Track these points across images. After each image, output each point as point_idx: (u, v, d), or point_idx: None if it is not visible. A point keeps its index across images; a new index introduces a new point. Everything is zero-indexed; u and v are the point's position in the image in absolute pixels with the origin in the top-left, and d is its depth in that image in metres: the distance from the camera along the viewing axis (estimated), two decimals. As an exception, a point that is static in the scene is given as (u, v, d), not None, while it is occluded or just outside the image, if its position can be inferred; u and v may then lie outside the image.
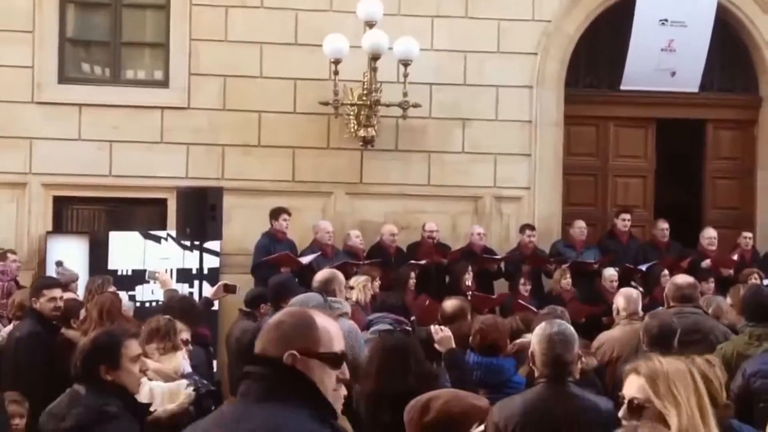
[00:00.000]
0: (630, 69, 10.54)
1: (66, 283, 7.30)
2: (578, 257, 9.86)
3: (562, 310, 6.02)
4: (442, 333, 4.72)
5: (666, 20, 10.30)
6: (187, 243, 8.99)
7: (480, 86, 10.43)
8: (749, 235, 10.28)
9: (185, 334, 5.24)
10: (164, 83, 10.25)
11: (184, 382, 4.66)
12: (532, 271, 9.70)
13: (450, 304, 5.39)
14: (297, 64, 10.09)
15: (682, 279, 5.55)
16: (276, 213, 9.30)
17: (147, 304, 9.15)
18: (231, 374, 6.22)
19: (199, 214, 8.24)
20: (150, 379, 4.37)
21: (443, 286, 9.29)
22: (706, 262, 9.66)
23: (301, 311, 2.52)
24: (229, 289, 6.56)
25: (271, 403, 2.27)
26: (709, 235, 10.09)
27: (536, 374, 3.83)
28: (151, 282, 8.07)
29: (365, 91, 9.68)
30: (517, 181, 10.51)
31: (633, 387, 2.58)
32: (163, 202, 9.96)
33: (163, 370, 4.77)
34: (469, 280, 9.04)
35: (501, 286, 9.90)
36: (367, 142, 9.93)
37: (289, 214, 9.33)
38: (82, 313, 5.97)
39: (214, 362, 7.40)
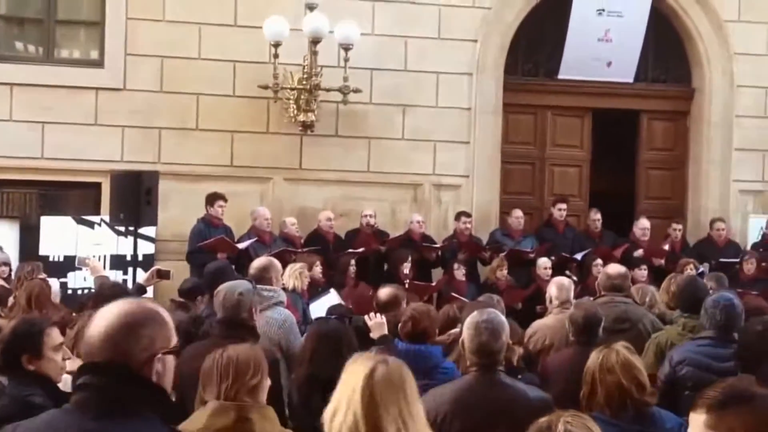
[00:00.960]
0: (567, 58, 10.64)
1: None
2: (515, 246, 9.95)
3: (498, 299, 6.07)
4: (375, 320, 4.73)
5: (603, 10, 10.42)
6: (122, 228, 8.82)
7: (420, 72, 10.44)
8: (679, 226, 10.47)
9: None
10: (99, 63, 10.04)
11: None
12: (468, 258, 9.75)
13: (384, 292, 5.38)
14: (236, 46, 9.97)
15: (614, 269, 5.64)
16: (212, 199, 9.18)
17: (79, 291, 8.98)
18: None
19: (134, 198, 8.09)
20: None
21: (382, 274, 9.28)
22: (639, 252, 9.82)
23: (135, 307, 2.25)
24: (163, 274, 6.45)
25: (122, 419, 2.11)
26: (643, 225, 10.26)
27: (467, 363, 3.85)
28: (83, 269, 7.91)
29: (305, 75, 9.60)
30: (456, 169, 10.56)
31: None
32: (96, 186, 9.75)
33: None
34: (407, 268, 9.06)
35: (439, 273, 9.94)
36: (307, 127, 9.86)
37: (226, 200, 9.21)
38: (11, 300, 5.83)
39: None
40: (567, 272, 8.98)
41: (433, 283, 9.38)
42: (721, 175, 10.98)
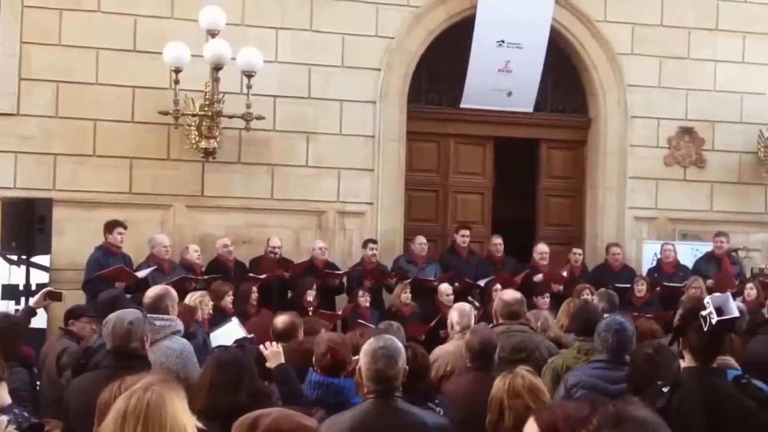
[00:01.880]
0: (469, 88, 10.82)
1: None
2: (419, 272, 10.00)
3: (398, 326, 6.07)
4: (271, 348, 4.65)
5: (503, 42, 10.64)
6: (13, 257, 8.50)
7: (325, 100, 10.46)
8: (579, 251, 10.72)
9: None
10: (-9, 87, 9.71)
11: (4, 418, 4.35)
12: (373, 286, 9.75)
13: (281, 320, 5.31)
14: (135, 71, 9.80)
15: (509, 295, 5.70)
16: (110, 226, 8.93)
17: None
18: (47, 397, 5.86)
19: (27, 226, 7.87)
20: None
21: (286, 302, 9.19)
22: (538, 277, 10.00)
23: None
24: (54, 296, 6.19)
25: None
26: (541, 250, 10.46)
27: (364, 390, 3.82)
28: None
29: (207, 102, 9.48)
30: (360, 196, 10.58)
31: None
32: (-13, 213, 9.39)
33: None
34: (311, 296, 8.99)
35: (343, 300, 9.91)
36: (209, 153, 9.73)
37: (125, 228, 8.98)
38: None
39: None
40: (470, 298, 9.06)
41: (338, 312, 9.33)
42: (616, 202, 11.31)
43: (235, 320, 7.75)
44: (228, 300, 8.19)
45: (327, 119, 10.45)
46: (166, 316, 5.26)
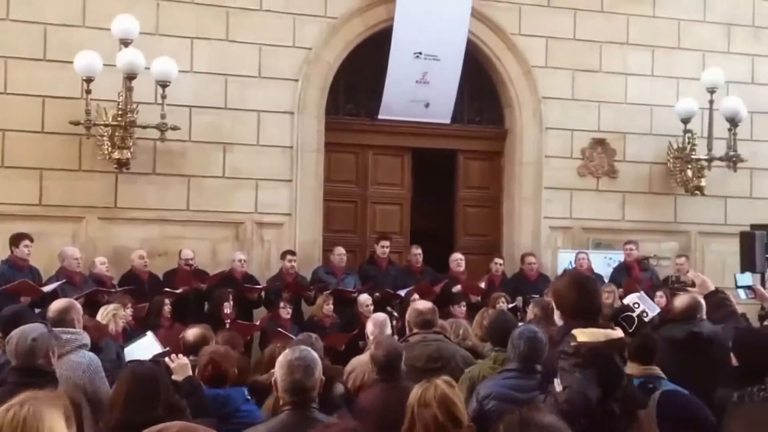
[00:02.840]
0: (387, 99, 10.87)
1: None
2: (339, 283, 9.97)
3: (316, 338, 6.03)
4: (177, 361, 4.56)
5: (420, 54, 10.73)
6: None
7: (241, 110, 10.36)
8: (500, 261, 10.84)
9: None
10: None
11: None
12: (292, 297, 9.68)
13: (192, 332, 5.22)
14: (46, 80, 9.56)
15: (422, 304, 5.70)
16: (16, 239, 8.65)
17: None
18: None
19: (-72, 239, 7.50)
20: None
21: (202, 314, 9.04)
22: (457, 288, 10.07)
23: None
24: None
25: None
26: (456, 257, 10.55)
27: (280, 402, 3.78)
28: None
29: (120, 112, 9.30)
30: (278, 207, 10.51)
31: None
32: None
33: None
34: (228, 308, 8.87)
35: (262, 311, 9.80)
36: (122, 164, 9.53)
37: (32, 240, 8.70)
38: None
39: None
40: (388, 308, 9.07)
41: (256, 322, 9.24)
42: (532, 212, 11.49)
43: (149, 334, 7.59)
44: (127, 312, 7.96)
45: (244, 130, 10.36)
46: (72, 330, 5.10)
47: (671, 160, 11.75)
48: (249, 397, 4.76)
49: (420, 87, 10.90)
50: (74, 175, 9.70)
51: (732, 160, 11.42)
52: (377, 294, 9.75)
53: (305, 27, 10.59)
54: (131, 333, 7.54)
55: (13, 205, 9.46)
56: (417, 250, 10.55)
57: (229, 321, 8.64)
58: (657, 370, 4.68)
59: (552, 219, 11.53)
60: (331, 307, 9.33)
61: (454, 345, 5.70)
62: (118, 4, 9.67)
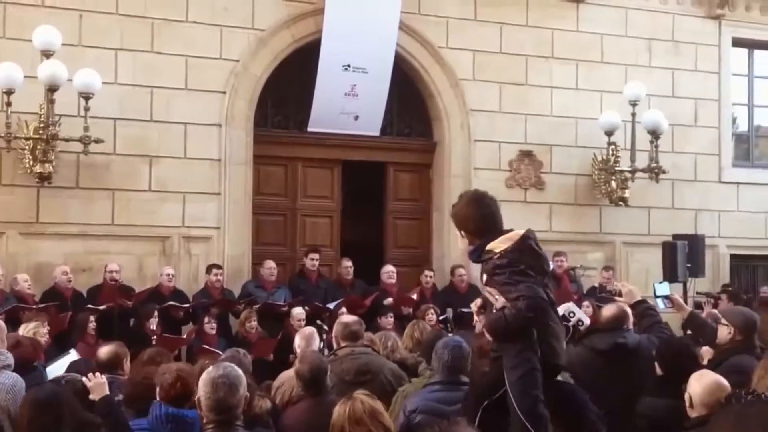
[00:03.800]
0: (316, 112, 10.86)
1: None
2: (268, 297, 9.88)
3: (244, 353, 5.96)
4: (95, 380, 4.45)
5: (349, 66, 10.74)
6: None
7: (168, 123, 10.23)
8: (431, 273, 10.87)
9: None
10: None
11: None
12: (220, 312, 9.56)
13: (105, 350, 5.12)
14: (-36, 92, 9.27)
15: (348, 317, 5.70)
16: (-74, 256, 8.39)
17: None
18: None
19: None
20: None
21: (128, 331, 8.87)
22: (389, 301, 10.08)
23: None
24: None
25: None
26: (387, 270, 10.57)
27: (204, 420, 3.71)
28: None
29: (42, 125, 9.10)
30: (206, 221, 10.39)
31: None
32: None
33: None
34: (153, 323, 8.72)
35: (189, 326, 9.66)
36: (44, 178, 9.32)
37: (-54, 257, 8.46)
38: None
39: None
40: (318, 322, 9.01)
41: (183, 336, 9.09)
42: (462, 224, 11.55)
43: (73, 352, 7.42)
44: (43, 331, 7.76)
45: (171, 142, 10.22)
46: (-4, 349, 4.97)
47: (596, 172, 11.97)
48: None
49: (349, 99, 10.91)
50: (-6, 189, 9.45)
51: (654, 172, 11.70)
52: (307, 308, 9.67)
53: (232, 39, 10.52)
54: (50, 352, 7.34)
55: (-71, 220, 9.17)
56: (347, 263, 10.53)
57: (155, 337, 8.49)
58: None
59: (481, 231, 11.59)
60: (254, 323, 9.20)
61: (383, 358, 5.70)
62: (39, 14, 9.49)
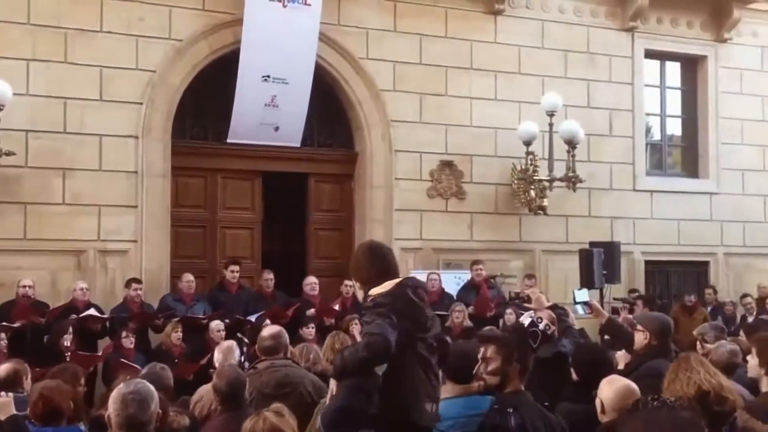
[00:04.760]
0: (236, 123, 10.75)
1: None
2: (188, 311, 9.72)
3: (162, 367, 5.84)
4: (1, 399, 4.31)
5: (268, 77, 10.66)
6: None
7: (82, 135, 10.02)
8: (350, 283, 10.78)
9: None
10: None
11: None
12: (138, 327, 9.36)
13: (5, 368, 4.96)
14: None
15: (268, 330, 5.63)
16: None
17: None
18: None
19: None
20: None
21: (41, 348, 8.62)
22: (311, 312, 10.02)
23: None
24: None
25: None
26: (309, 281, 10.51)
27: (116, 438, 3.62)
28: None
29: (-52, 137, 8.80)
30: (122, 234, 10.19)
31: None
32: None
33: None
34: (68, 340, 8.49)
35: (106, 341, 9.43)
36: (-48, 192, 9.01)
37: None
38: None
39: None
40: (238, 335, 8.90)
41: (99, 353, 8.87)
42: (383, 234, 11.57)
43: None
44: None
45: (85, 155, 10.01)
46: None
47: (515, 181, 12.14)
48: (88, 434, 4.56)
49: (269, 110, 10.83)
50: None
51: (571, 181, 11.92)
52: (227, 320, 9.55)
53: (149, 49, 10.36)
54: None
55: None
56: (268, 275, 10.43)
57: (69, 353, 8.27)
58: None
59: (403, 240, 11.65)
60: (180, 335, 9.08)
61: (303, 370, 5.65)
62: (-54, 23, 9.19)
